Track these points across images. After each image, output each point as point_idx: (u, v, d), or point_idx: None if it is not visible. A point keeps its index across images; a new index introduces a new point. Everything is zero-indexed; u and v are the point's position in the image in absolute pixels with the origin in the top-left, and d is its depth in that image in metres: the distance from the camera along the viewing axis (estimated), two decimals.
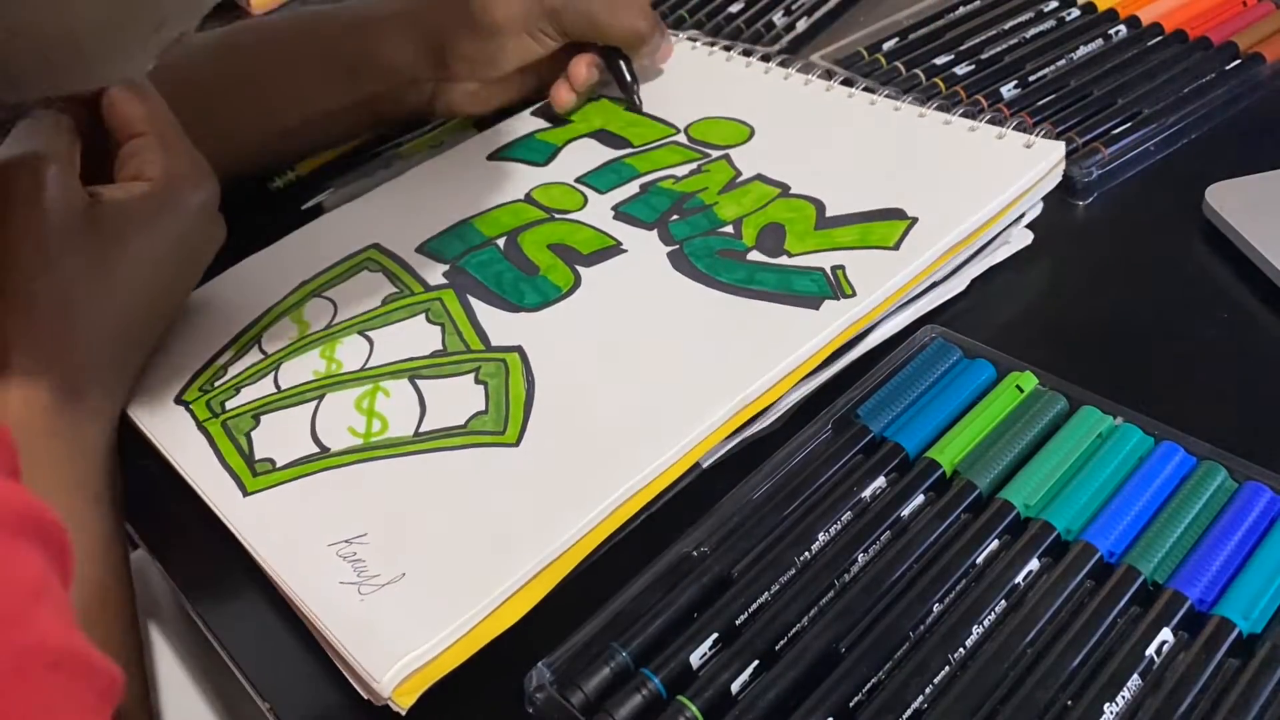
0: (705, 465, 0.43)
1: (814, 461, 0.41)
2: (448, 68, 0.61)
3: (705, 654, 0.35)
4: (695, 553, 0.38)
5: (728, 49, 0.64)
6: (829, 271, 0.47)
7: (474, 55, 0.60)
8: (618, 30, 0.60)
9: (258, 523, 0.42)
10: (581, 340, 0.47)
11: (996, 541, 0.38)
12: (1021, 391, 0.42)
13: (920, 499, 0.39)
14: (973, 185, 0.49)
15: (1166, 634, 0.34)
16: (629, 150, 0.58)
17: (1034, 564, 0.36)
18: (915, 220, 0.48)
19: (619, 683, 0.34)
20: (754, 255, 0.49)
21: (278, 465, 0.44)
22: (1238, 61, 0.59)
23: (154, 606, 0.65)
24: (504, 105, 0.65)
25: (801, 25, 0.71)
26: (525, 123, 0.63)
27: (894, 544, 0.38)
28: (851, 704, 0.33)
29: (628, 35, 0.61)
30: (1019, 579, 0.36)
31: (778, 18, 0.71)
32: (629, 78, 0.62)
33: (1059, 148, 0.50)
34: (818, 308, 0.45)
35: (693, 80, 0.63)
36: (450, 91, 0.63)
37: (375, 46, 0.61)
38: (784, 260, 0.48)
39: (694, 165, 0.56)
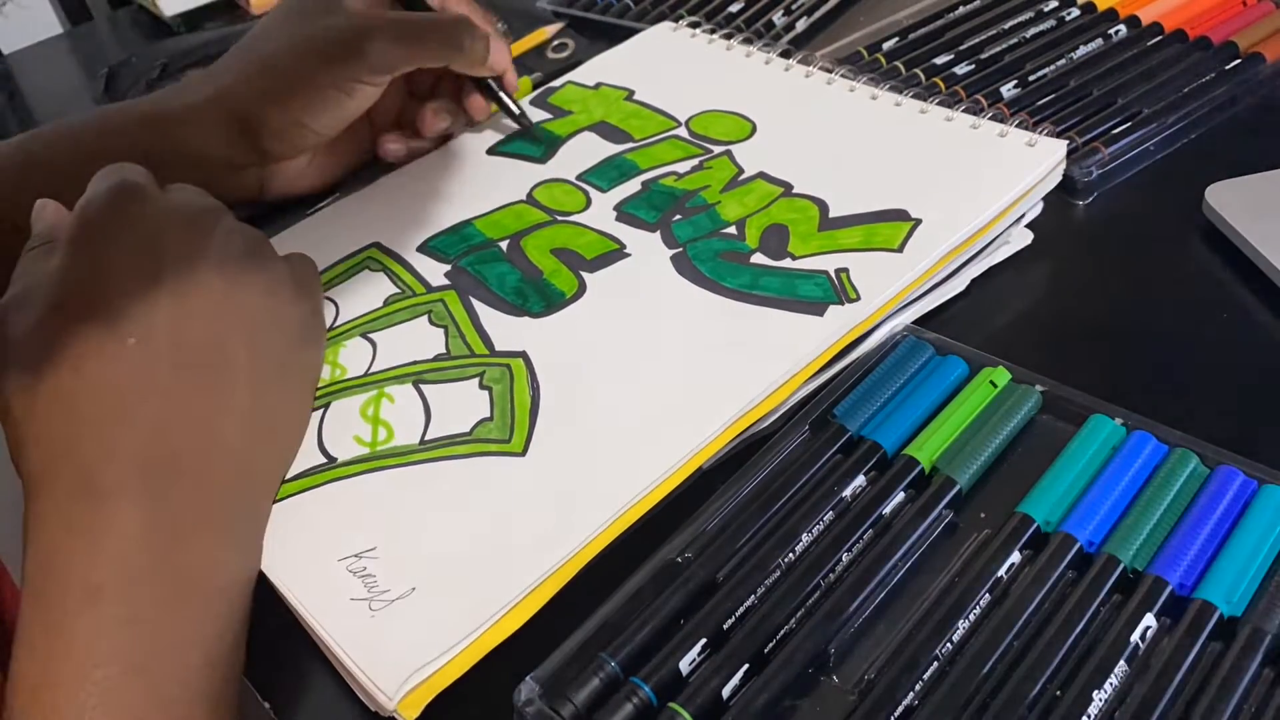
0: (707, 467, 0.43)
1: (794, 463, 0.41)
2: (264, 148, 0.56)
3: (695, 660, 0.35)
4: (679, 559, 0.39)
5: (728, 38, 0.64)
6: (833, 274, 0.47)
7: (285, 128, 0.55)
8: (429, 51, 0.55)
9: (268, 537, 0.42)
10: (586, 347, 0.47)
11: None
12: (995, 386, 0.42)
13: (901, 496, 0.40)
14: (976, 185, 0.49)
15: (1150, 620, 0.34)
16: (630, 145, 0.58)
17: (1015, 556, 0.37)
18: (919, 221, 0.48)
19: (609, 692, 0.34)
20: (757, 258, 0.49)
21: (286, 477, 0.44)
22: (1238, 61, 0.59)
23: None
24: (347, 170, 0.61)
25: (801, 25, 0.71)
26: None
27: (877, 542, 0.38)
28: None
29: (443, 52, 0.55)
30: (1002, 572, 0.36)
31: (777, 17, 0.71)
32: (505, 101, 0.61)
33: (1061, 146, 0.50)
34: (822, 313, 0.45)
35: (693, 71, 0.63)
36: (278, 173, 0.58)
37: (182, 139, 0.56)
38: (788, 263, 0.48)
39: (695, 161, 0.56)
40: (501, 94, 0.60)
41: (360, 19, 0.52)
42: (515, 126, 0.62)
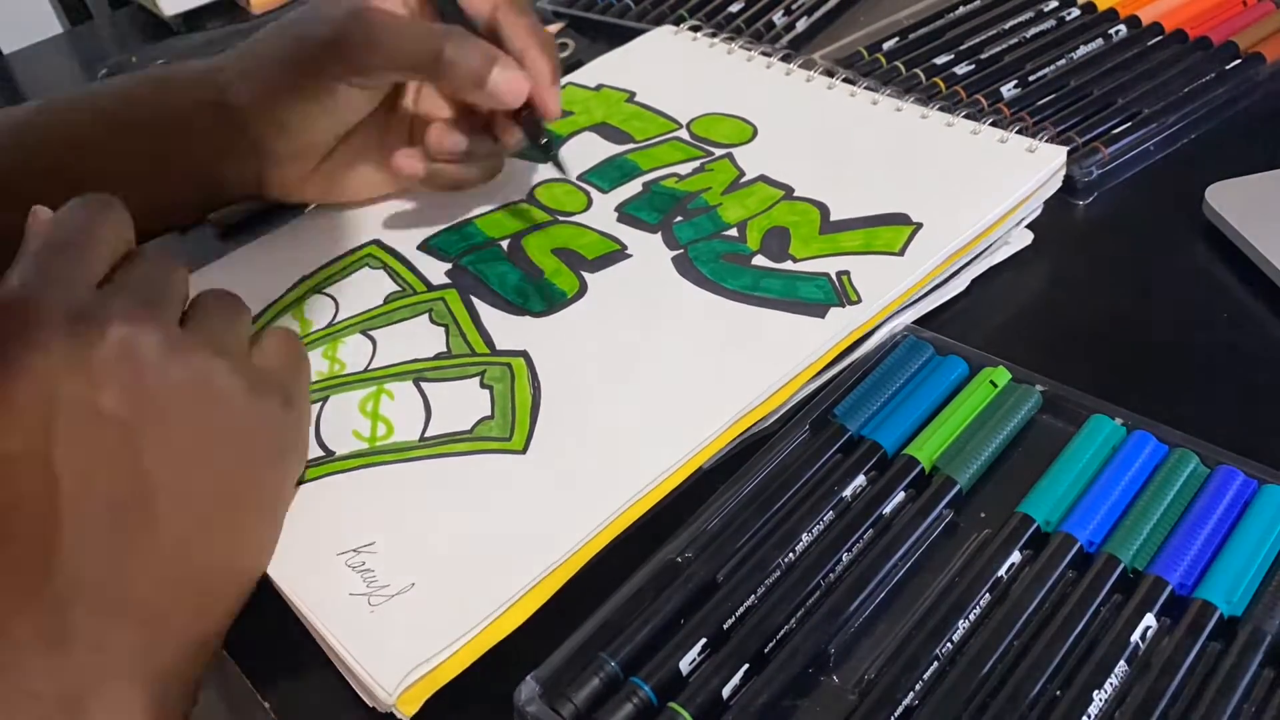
0: (707, 467, 0.43)
1: (794, 463, 0.41)
2: (260, 149, 0.53)
3: (695, 660, 0.35)
4: (679, 559, 0.39)
5: (729, 41, 0.64)
6: (834, 277, 0.47)
7: (275, 131, 0.52)
8: (400, 59, 0.50)
9: None
10: (587, 346, 0.47)
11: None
12: (995, 386, 0.42)
13: (901, 496, 0.40)
14: (976, 191, 0.49)
15: (1150, 619, 0.34)
16: (631, 145, 0.58)
17: (1015, 556, 0.37)
18: (920, 225, 0.48)
19: (609, 692, 0.35)
20: (759, 260, 0.49)
21: None
22: (1238, 61, 0.59)
23: None
24: (356, 191, 0.57)
25: (801, 25, 0.71)
26: None
27: (877, 542, 0.38)
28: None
29: (417, 63, 0.50)
30: (1002, 572, 0.36)
31: (777, 17, 0.71)
32: (539, 136, 0.53)
33: (1061, 153, 0.50)
34: (824, 315, 0.45)
35: (694, 74, 0.63)
36: (277, 176, 0.55)
37: (182, 133, 0.54)
38: (789, 265, 0.48)
39: (697, 164, 0.56)
40: (534, 124, 0.53)
41: (352, 19, 0.49)
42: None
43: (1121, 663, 0.33)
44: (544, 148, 0.53)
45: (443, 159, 0.53)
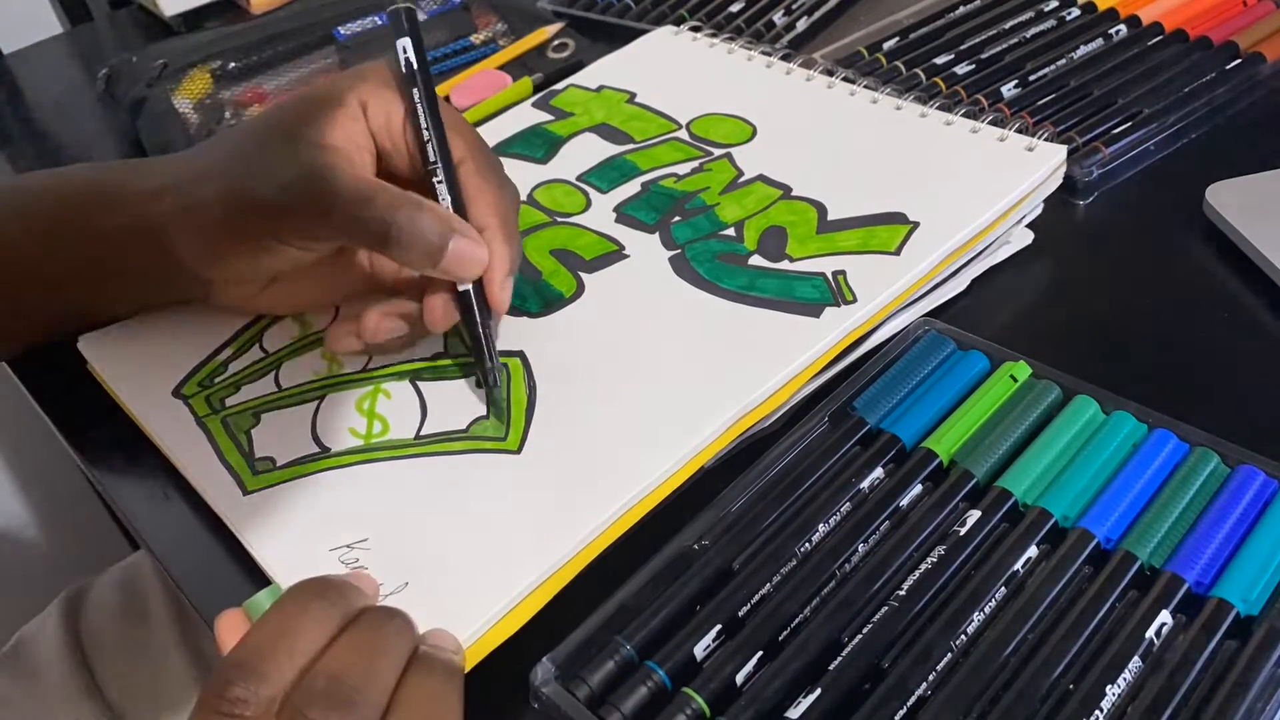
0: (710, 466, 0.43)
1: (812, 454, 0.41)
2: (203, 277, 0.48)
3: (709, 646, 0.35)
4: (696, 546, 0.39)
5: (729, 41, 0.64)
6: (830, 277, 0.47)
7: (212, 267, 0.47)
8: (340, 227, 0.43)
9: (258, 523, 0.42)
10: (584, 347, 0.47)
11: (995, 529, 0.38)
12: (1015, 381, 0.43)
13: (918, 488, 0.40)
14: (974, 189, 0.49)
15: (1165, 616, 0.34)
16: (630, 146, 0.58)
17: (1032, 551, 0.37)
18: (917, 224, 0.48)
19: (624, 676, 0.35)
20: (755, 259, 0.49)
21: (278, 464, 0.44)
22: (1238, 61, 0.59)
23: (153, 604, 0.65)
24: (311, 307, 0.51)
25: (801, 25, 0.71)
26: (526, 114, 0.63)
27: (893, 533, 0.38)
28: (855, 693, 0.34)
29: (358, 232, 0.43)
30: (1018, 566, 0.36)
31: (778, 17, 0.71)
32: (482, 360, 0.44)
33: (1060, 151, 0.50)
34: (819, 315, 0.45)
35: (695, 74, 0.63)
36: (225, 297, 0.50)
37: (116, 255, 0.49)
38: (785, 265, 0.48)
39: (695, 164, 0.56)
40: (481, 345, 0.45)
41: (302, 185, 0.43)
42: (524, 124, 0.62)
43: (1136, 658, 0.33)
44: (484, 374, 0.45)
45: (371, 343, 0.47)
